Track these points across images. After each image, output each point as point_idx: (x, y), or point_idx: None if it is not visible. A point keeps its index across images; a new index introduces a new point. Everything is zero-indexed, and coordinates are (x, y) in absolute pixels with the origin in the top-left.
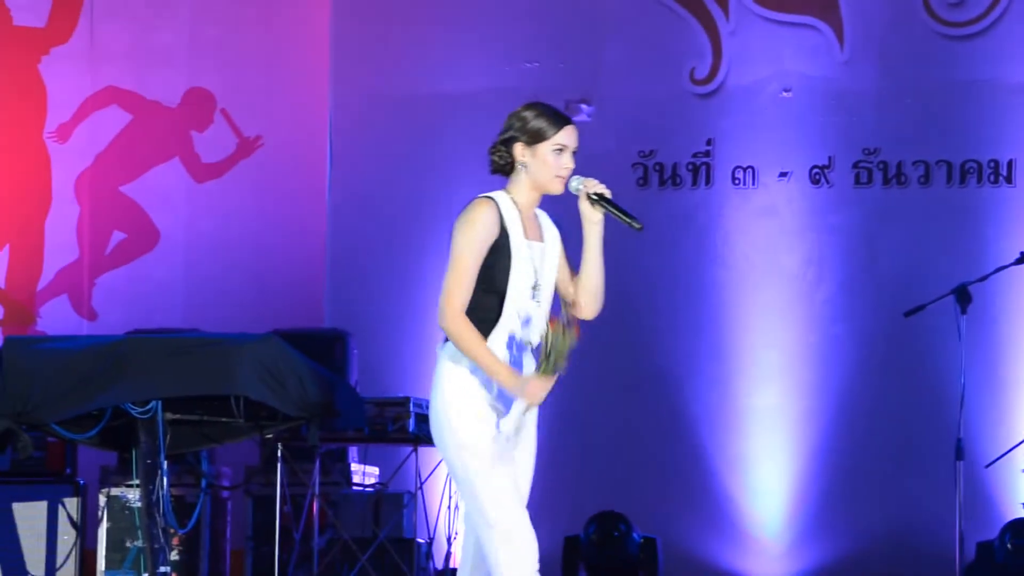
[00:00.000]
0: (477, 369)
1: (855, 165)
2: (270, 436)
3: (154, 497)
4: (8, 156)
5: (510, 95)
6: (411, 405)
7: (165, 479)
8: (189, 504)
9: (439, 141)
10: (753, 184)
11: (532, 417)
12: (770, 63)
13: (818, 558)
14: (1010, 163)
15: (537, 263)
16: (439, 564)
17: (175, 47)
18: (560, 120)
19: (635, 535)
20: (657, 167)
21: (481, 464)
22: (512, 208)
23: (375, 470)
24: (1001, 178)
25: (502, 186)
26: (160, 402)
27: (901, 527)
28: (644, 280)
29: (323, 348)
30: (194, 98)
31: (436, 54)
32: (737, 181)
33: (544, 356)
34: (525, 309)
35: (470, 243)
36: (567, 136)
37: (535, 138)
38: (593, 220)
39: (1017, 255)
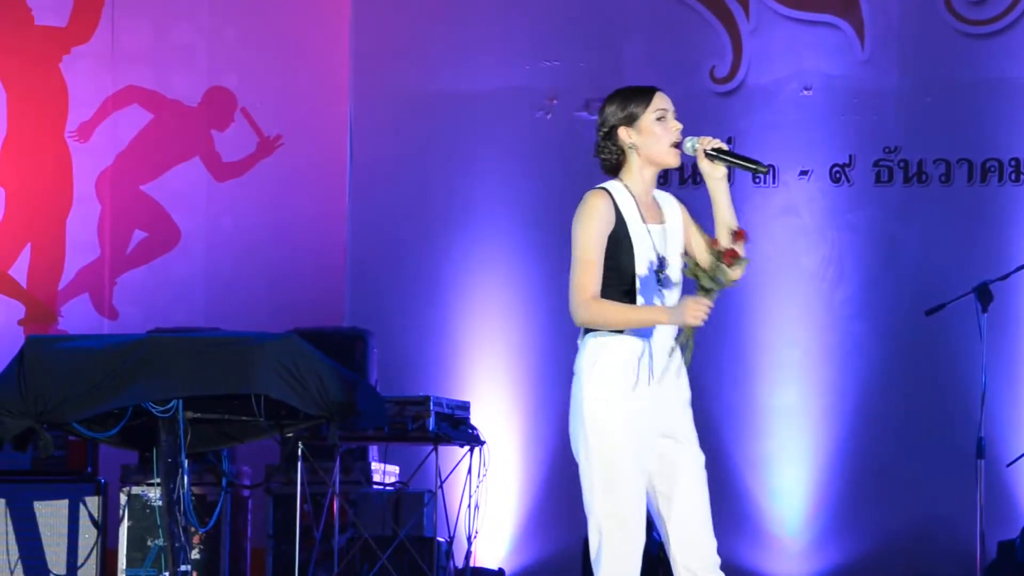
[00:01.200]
0: (615, 368)
1: (875, 164)
2: (290, 435)
3: (175, 496)
4: (30, 155)
5: (530, 94)
6: (431, 404)
7: (186, 478)
8: (210, 503)
9: (459, 139)
10: (773, 183)
11: (681, 375)
12: (790, 62)
13: (838, 557)
14: None
15: (659, 246)
16: (459, 563)
17: (195, 46)
18: (647, 90)
19: (654, 534)
20: (678, 166)
21: (608, 449)
22: (626, 195)
23: (395, 469)
24: (1022, 176)
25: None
26: (181, 401)
27: (922, 526)
28: None
29: (343, 347)
30: (214, 97)
31: (456, 52)
32: (757, 180)
33: (705, 276)
34: (654, 295)
35: (588, 236)
36: (662, 100)
37: (633, 117)
38: (716, 176)
39: None
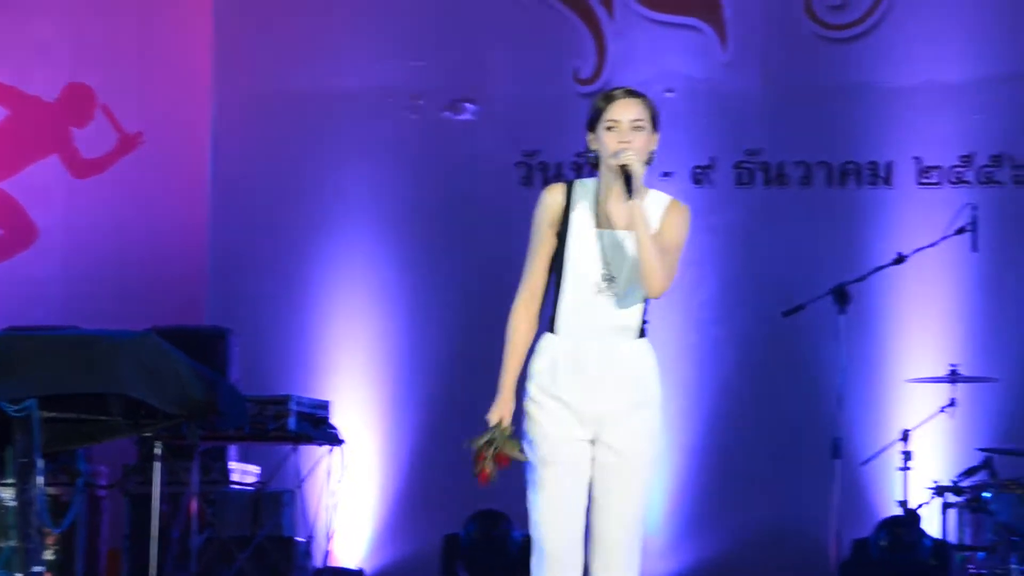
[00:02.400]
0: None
1: (736, 166)
2: (148, 435)
3: (28, 496)
4: None
5: (394, 93)
6: (292, 404)
7: (40, 478)
8: (65, 503)
9: (322, 139)
10: None
11: None
12: (653, 63)
13: (697, 555)
14: (888, 165)
15: (608, 253)
16: (318, 563)
17: (54, 42)
18: (611, 95)
19: (515, 533)
20: (541, 166)
21: None
22: (589, 194)
23: (255, 469)
24: (880, 180)
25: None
26: (36, 400)
27: (779, 525)
28: None
29: (204, 346)
30: (74, 93)
31: (320, 52)
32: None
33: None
34: (584, 303)
35: (533, 228)
36: (617, 110)
37: (592, 122)
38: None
39: (894, 256)
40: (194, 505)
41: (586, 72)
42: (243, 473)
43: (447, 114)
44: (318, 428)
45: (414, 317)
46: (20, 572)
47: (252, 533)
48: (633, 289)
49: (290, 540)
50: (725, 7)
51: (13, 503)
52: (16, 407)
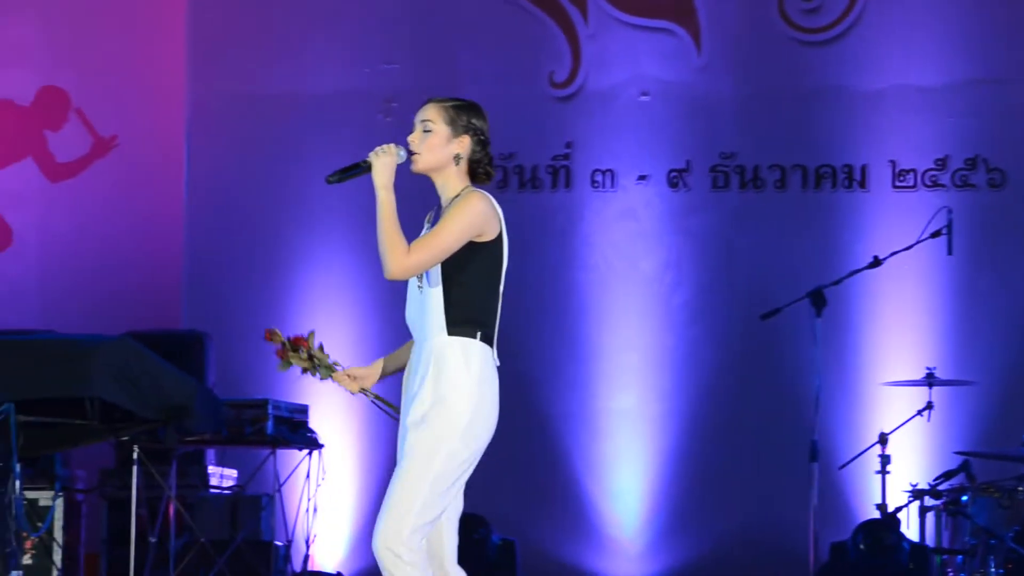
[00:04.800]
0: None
1: (712, 169)
2: (126, 438)
3: (6, 500)
4: None
5: (367, 96)
6: (269, 407)
7: (18, 482)
8: (43, 507)
9: (296, 141)
10: (612, 187)
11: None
12: (628, 67)
13: (675, 559)
14: (864, 168)
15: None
16: (297, 567)
17: (27, 44)
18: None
19: (494, 537)
20: (517, 169)
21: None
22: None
23: (233, 472)
24: (855, 183)
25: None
26: (13, 404)
27: (757, 528)
28: (504, 283)
29: (180, 349)
30: (48, 97)
31: (293, 54)
32: (596, 184)
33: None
34: (411, 295)
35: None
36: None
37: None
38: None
39: (870, 259)
40: (172, 509)
41: (561, 75)
42: (221, 477)
43: None
44: (296, 432)
45: (389, 320)
46: None
47: (231, 537)
48: (434, 283)
49: (269, 544)
50: (699, 11)
51: None
52: None
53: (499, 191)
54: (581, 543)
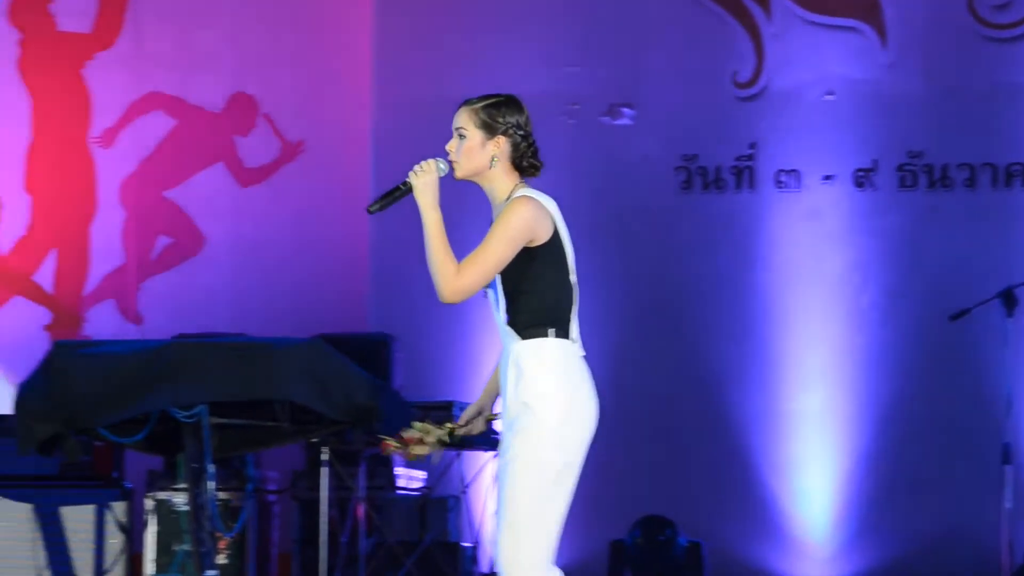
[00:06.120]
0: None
1: (899, 168)
2: (315, 440)
3: (200, 501)
4: (54, 162)
5: (552, 99)
6: (455, 409)
7: (211, 483)
8: (235, 508)
9: None
10: (797, 187)
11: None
12: (813, 66)
13: (864, 562)
14: None
15: None
16: (484, 568)
17: (218, 52)
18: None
19: (681, 539)
20: (700, 171)
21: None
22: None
23: (421, 474)
24: None
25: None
26: (206, 406)
27: (947, 532)
28: (687, 284)
29: (367, 352)
30: (237, 103)
31: (478, 58)
32: (781, 184)
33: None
34: (490, 301)
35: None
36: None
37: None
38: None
39: None
40: (361, 510)
41: (745, 75)
42: (408, 479)
43: (605, 119)
44: (481, 434)
45: (584, 321)
46: (194, 575)
47: (419, 538)
48: (501, 300)
49: (456, 545)
50: (885, 7)
51: (186, 508)
52: (186, 413)
53: (683, 192)
54: (768, 545)
